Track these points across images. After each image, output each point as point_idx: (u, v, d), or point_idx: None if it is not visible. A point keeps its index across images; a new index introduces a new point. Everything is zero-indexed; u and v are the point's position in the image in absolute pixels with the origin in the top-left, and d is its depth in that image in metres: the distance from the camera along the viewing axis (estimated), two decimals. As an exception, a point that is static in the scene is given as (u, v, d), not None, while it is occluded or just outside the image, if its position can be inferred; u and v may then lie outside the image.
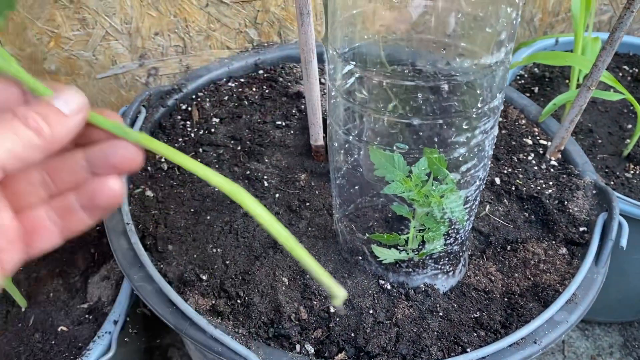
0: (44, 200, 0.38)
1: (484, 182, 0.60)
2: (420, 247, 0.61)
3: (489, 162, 0.58)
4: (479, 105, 0.51)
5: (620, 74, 1.18)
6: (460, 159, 0.54)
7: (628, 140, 1.01)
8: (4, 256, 0.33)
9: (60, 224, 0.38)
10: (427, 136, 0.54)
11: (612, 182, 0.95)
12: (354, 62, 0.54)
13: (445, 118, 0.51)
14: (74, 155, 0.37)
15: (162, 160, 0.80)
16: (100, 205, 0.38)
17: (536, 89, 1.12)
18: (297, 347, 0.59)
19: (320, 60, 0.74)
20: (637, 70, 1.19)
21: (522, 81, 1.15)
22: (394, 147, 0.54)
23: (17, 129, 0.33)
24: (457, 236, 0.61)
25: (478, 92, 0.50)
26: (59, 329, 0.73)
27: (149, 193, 0.74)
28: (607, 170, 0.97)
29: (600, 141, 1.03)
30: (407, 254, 0.61)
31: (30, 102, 0.37)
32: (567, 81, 1.12)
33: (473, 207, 0.61)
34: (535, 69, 1.18)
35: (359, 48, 0.55)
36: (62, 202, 0.38)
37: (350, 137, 0.58)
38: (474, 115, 0.51)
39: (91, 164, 0.38)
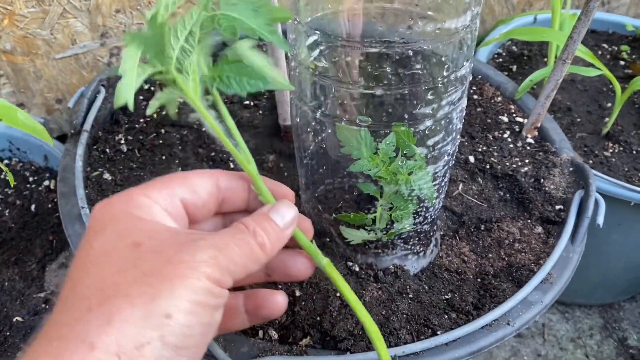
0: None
1: (453, 157, 0.57)
2: (388, 226, 0.58)
3: (458, 137, 0.56)
4: (445, 73, 0.48)
5: (600, 52, 1.16)
6: (427, 132, 0.51)
7: (607, 119, 0.99)
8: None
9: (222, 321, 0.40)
10: (394, 108, 0.51)
11: (591, 161, 0.93)
12: (318, 32, 0.51)
13: (410, 87, 0.48)
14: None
15: (122, 142, 0.76)
16: (263, 316, 0.44)
17: (514, 68, 1.10)
18: (260, 333, 0.56)
19: (285, 35, 0.70)
20: (616, 48, 1.17)
21: (500, 59, 1.12)
22: (357, 121, 0.51)
23: (249, 244, 0.36)
24: (427, 215, 0.59)
25: (443, 59, 0.48)
26: (14, 320, 0.69)
27: (106, 176, 0.71)
28: (585, 149, 0.95)
29: (579, 120, 1.01)
30: (376, 234, 0.59)
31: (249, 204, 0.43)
32: (545, 59, 1.10)
33: (442, 184, 0.58)
34: (514, 47, 1.15)
35: (322, 18, 0.52)
36: (231, 302, 0.43)
37: (316, 113, 0.55)
38: (439, 85, 0.48)
39: (268, 267, 0.44)
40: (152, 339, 0.30)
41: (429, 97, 0.48)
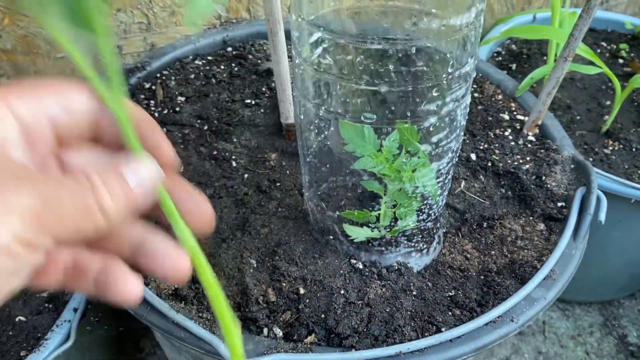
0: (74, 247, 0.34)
1: (457, 154, 0.57)
2: (392, 224, 0.58)
3: (462, 134, 0.56)
4: (449, 70, 0.48)
5: (599, 51, 1.16)
6: (432, 129, 0.51)
7: (606, 117, 0.99)
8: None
9: (69, 276, 0.33)
10: (398, 106, 0.51)
11: (591, 159, 0.93)
12: (322, 29, 0.51)
13: (415, 85, 0.48)
14: (132, 228, 0.34)
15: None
16: (109, 298, 0.34)
17: (514, 66, 1.10)
18: (265, 330, 0.56)
19: (288, 34, 0.70)
20: (615, 46, 1.17)
21: (500, 58, 1.12)
22: (362, 118, 0.51)
23: (85, 202, 0.28)
24: (430, 212, 0.59)
25: (448, 56, 0.48)
26: (17, 319, 0.69)
27: (109, 175, 0.71)
28: (585, 146, 0.96)
29: (578, 118, 1.01)
30: (379, 231, 0.59)
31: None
32: (544, 57, 1.10)
33: (446, 182, 0.58)
34: (513, 46, 1.16)
35: (325, 15, 0.52)
36: (85, 261, 0.34)
37: (319, 110, 0.55)
38: (444, 82, 0.48)
39: (137, 251, 0.34)
40: None
41: (433, 94, 0.49)
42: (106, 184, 0.29)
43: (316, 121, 0.57)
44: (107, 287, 0.33)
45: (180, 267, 0.33)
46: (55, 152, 0.33)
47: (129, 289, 0.33)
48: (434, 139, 0.52)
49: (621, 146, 0.96)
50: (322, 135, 0.58)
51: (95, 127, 0.33)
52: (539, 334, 1.12)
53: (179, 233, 0.32)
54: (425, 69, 0.48)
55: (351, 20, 0.53)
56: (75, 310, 0.66)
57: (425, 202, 0.57)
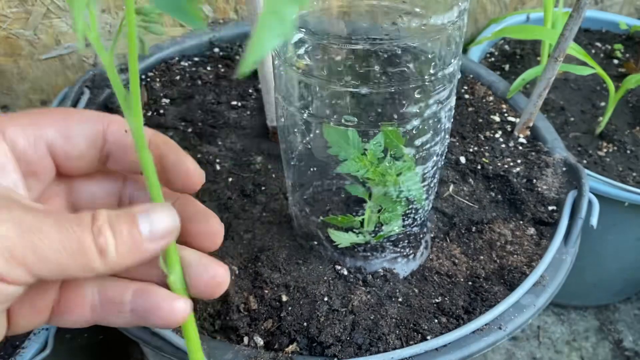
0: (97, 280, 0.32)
1: (443, 158, 0.56)
2: (377, 229, 0.57)
3: (447, 137, 0.54)
4: (432, 71, 0.46)
5: (593, 51, 1.15)
6: (415, 131, 0.50)
7: (600, 118, 0.98)
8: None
9: (100, 310, 0.32)
10: (381, 108, 0.50)
11: (585, 161, 0.92)
12: (303, 30, 0.49)
13: (398, 86, 0.47)
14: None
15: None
16: (152, 323, 0.32)
17: (507, 67, 1.08)
18: (245, 339, 0.55)
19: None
20: (610, 47, 1.16)
21: (493, 59, 1.11)
22: (342, 120, 0.50)
23: (80, 242, 0.26)
24: (416, 216, 0.57)
25: (430, 56, 0.46)
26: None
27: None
28: (579, 148, 0.94)
29: (572, 119, 0.99)
30: (364, 236, 0.57)
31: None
32: (538, 58, 1.08)
33: (432, 185, 0.57)
34: (506, 47, 1.14)
35: (307, 16, 0.51)
36: (115, 293, 0.32)
37: (302, 113, 0.54)
38: (427, 83, 0.47)
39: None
40: None
41: (417, 95, 0.47)
42: (113, 226, 0.28)
43: (299, 124, 0.55)
44: (149, 314, 0.32)
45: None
46: (59, 181, 0.32)
47: (175, 311, 0.31)
48: (418, 142, 0.51)
49: (615, 148, 0.94)
50: (306, 139, 0.57)
51: (99, 156, 0.32)
52: (533, 339, 1.10)
53: (173, 285, 0.32)
54: (408, 69, 0.47)
55: (333, 20, 0.51)
56: (54, 318, 0.64)
57: (410, 207, 0.56)
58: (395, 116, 0.49)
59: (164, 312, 0.31)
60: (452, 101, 0.51)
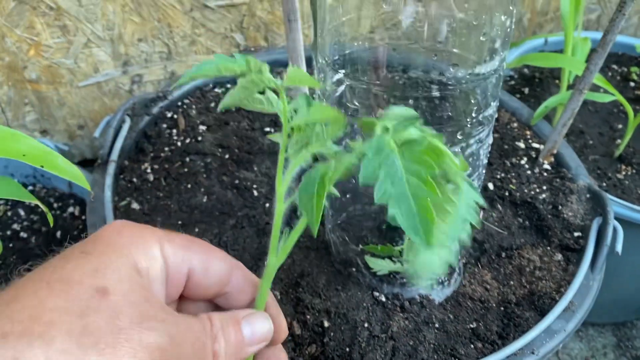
0: None
1: (479, 190, 0.59)
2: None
3: (484, 171, 0.57)
4: (473, 114, 0.49)
5: (610, 74, 1.18)
6: (455, 169, 0.53)
7: (619, 141, 1.00)
8: None
9: None
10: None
11: (604, 184, 0.94)
12: (343, 71, 0.52)
13: (439, 129, 0.50)
14: None
15: (148, 171, 0.77)
16: None
17: (526, 90, 1.11)
18: (291, 364, 0.58)
19: (309, 65, 0.72)
20: (626, 69, 1.19)
21: (512, 82, 1.14)
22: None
23: (204, 346, 0.31)
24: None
25: (472, 101, 0.49)
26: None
27: (134, 205, 0.72)
28: (599, 171, 0.97)
29: (591, 142, 1.02)
30: (402, 264, 0.60)
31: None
32: (557, 81, 1.11)
33: (468, 217, 0.59)
34: (525, 70, 1.17)
35: (349, 55, 0.54)
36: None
37: (341, 145, 0.57)
38: (468, 125, 0.50)
39: None
40: None
41: (458, 137, 0.50)
42: (224, 330, 0.33)
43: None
44: None
45: None
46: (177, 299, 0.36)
47: None
48: (457, 179, 0.54)
49: (634, 171, 0.97)
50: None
51: (220, 293, 0.37)
52: (552, 356, 1.12)
53: None
54: (449, 113, 0.50)
55: (375, 63, 0.54)
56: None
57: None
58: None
59: None
60: (490, 139, 0.54)
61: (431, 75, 0.48)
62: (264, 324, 0.35)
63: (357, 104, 0.52)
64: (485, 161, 0.56)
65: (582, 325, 1.17)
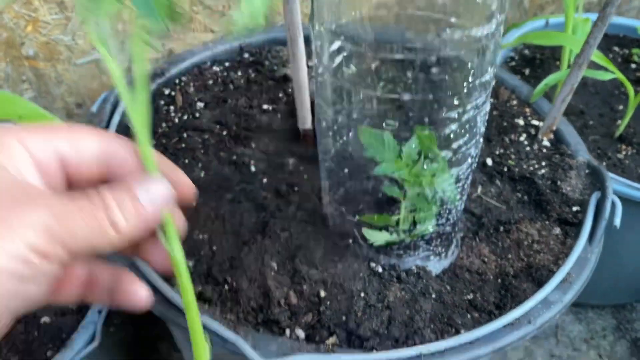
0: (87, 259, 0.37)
1: (476, 160, 0.58)
2: (411, 228, 0.59)
3: (481, 139, 0.57)
4: (470, 79, 0.49)
5: (611, 56, 1.17)
6: (452, 135, 0.53)
7: (619, 121, 1.00)
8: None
9: (86, 289, 0.36)
10: (418, 113, 0.53)
11: (605, 164, 0.94)
12: (342, 37, 0.52)
13: (436, 93, 0.50)
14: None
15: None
16: (123, 305, 0.37)
17: (527, 71, 1.11)
18: (287, 332, 0.58)
19: (308, 43, 0.71)
20: (627, 51, 1.18)
21: (513, 63, 1.13)
22: (384, 124, 0.52)
23: (97, 218, 0.31)
24: (449, 216, 0.60)
25: (469, 66, 0.49)
26: (42, 321, 0.71)
27: (132, 179, 0.72)
28: (599, 151, 0.96)
29: (591, 122, 1.02)
30: (399, 235, 0.60)
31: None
32: (557, 62, 1.11)
33: (465, 187, 0.59)
34: (526, 51, 1.16)
35: (346, 25, 0.53)
36: (97, 274, 0.37)
37: (339, 117, 0.56)
38: (465, 91, 0.50)
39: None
40: None
41: (455, 102, 0.50)
42: (118, 202, 0.32)
43: (335, 127, 0.58)
44: (120, 295, 0.37)
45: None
46: (65, 191, 0.35)
47: (139, 296, 0.37)
48: (454, 145, 0.53)
49: (634, 151, 0.96)
50: (342, 141, 0.59)
51: (105, 171, 0.35)
52: (551, 337, 1.13)
53: (174, 256, 0.35)
54: (446, 77, 0.50)
55: (371, 29, 0.54)
56: (100, 312, 0.67)
57: (444, 207, 0.58)
58: (433, 121, 0.52)
59: (130, 296, 0.37)
60: (487, 106, 0.54)
61: (427, 39, 0.48)
62: (158, 185, 0.34)
63: (354, 70, 0.52)
64: (483, 129, 0.55)
65: (581, 308, 1.17)
